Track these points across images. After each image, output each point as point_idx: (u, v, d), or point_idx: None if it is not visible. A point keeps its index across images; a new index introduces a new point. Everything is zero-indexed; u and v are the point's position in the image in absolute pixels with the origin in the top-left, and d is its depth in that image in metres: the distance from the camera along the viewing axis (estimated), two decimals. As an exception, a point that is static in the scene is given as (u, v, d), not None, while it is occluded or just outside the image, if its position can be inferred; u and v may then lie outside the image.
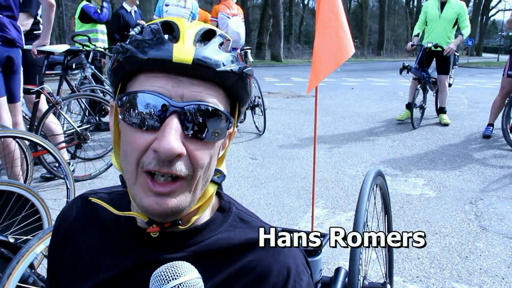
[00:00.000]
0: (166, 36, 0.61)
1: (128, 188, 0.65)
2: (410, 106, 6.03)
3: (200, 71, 0.59)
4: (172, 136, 0.57)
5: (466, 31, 5.91)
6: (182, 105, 0.59)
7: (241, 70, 0.63)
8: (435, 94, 6.48)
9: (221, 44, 0.63)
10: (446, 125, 6.01)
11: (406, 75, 5.87)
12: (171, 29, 0.62)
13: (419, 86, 5.92)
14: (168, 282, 0.55)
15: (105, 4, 5.66)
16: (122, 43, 0.63)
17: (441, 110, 6.24)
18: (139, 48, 0.60)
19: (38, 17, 3.65)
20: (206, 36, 0.63)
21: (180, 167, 0.59)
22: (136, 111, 0.60)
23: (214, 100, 0.61)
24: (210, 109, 0.60)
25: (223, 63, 0.60)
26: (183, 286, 0.55)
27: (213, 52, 0.60)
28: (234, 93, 0.65)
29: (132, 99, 0.60)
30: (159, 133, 0.59)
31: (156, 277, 0.57)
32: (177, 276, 0.56)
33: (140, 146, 0.60)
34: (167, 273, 0.56)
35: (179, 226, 0.66)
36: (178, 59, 0.58)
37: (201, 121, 0.60)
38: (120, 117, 0.63)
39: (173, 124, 0.58)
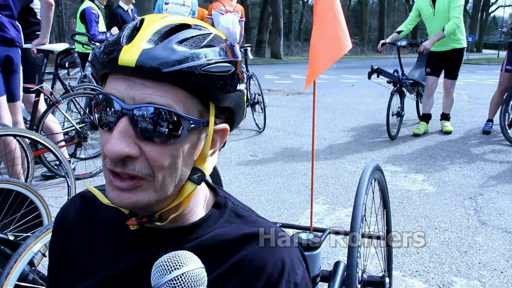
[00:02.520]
0: (128, 33, 0.61)
1: None
2: (427, 118, 5.32)
3: (144, 72, 0.58)
4: (117, 138, 0.58)
5: (450, 24, 4.78)
6: (132, 108, 0.58)
7: (202, 67, 0.59)
8: (415, 97, 5.84)
9: (184, 40, 0.60)
10: (448, 133, 5.28)
11: (377, 80, 5.07)
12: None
13: (394, 89, 5.07)
14: (170, 272, 0.54)
15: (108, 35, 5.46)
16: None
17: (444, 116, 5.48)
18: (104, 48, 0.61)
19: (38, 16, 3.66)
20: (175, 32, 0.61)
21: (134, 167, 0.60)
22: (99, 112, 0.62)
23: (168, 101, 0.59)
24: (161, 111, 0.58)
25: (176, 62, 0.57)
26: (186, 276, 0.54)
27: (164, 51, 0.58)
28: (201, 92, 0.62)
29: (97, 100, 0.62)
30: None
31: (157, 267, 0.56)
32: (179, 266, 0.55)
33: (103, 146, 0.62)
34: (169, 263, 0.55)
35: (156, 223, 0.66)
36: (122, 61, 0.58)
37: (152, 123, 0.59)
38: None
39: (120, 127, 0.58)
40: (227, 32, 5.30)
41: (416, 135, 5.23)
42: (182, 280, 0.54)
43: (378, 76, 5.06)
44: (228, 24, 5.33)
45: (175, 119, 0.59)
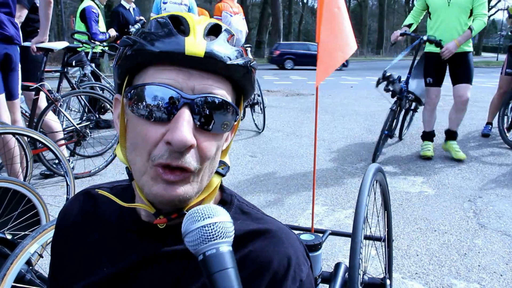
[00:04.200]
0: (172, 29, 0.62)
1: (136, 179, 0.65)
2: (431, 136, 4.33)
3: (211, 64, 0.61)
4: (185, 127, 0.58)
5: (478, 22, 4.07)
6: (194, 97, 0.60)
7: (247, 64, 0.65)
8: (411, 112, 5.00)
9: (227, 39, 0.64)
10: (459, 160, 4.26)
11: (383, 90, 4.31)
12: (179, 23, 0.63)
13: (394, 105, 4.19)
14: (203, 219, 0.56)
15: (107, 35, 5.36)
16: (129, 36, 0.64)
17: (450, 136, 4.36)
18: (148, 40, 0.61)
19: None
20: (213, 31, 0.64)
21: (190, 160, 0.61)
22: (148, 103, 0.60)
23: (223, 93, 0.63)
24: (220, 101, 0.62)
25: (230, 57, 0.62)
26: (217, 225, 0.56)
27: (222, 46, 0.62)
28: (240, 86, 0.67)
29: (143, 91, 0.61)
30: (171, 125, 0.59)
31: (190, 214, 0.57)
32: (212, 215, 0.56)
33: (152, 138, 0.60)
34: (203, 211, 0.57)
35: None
36: (190, 52, 0.59)
37: (211, 113, 0.61)
38: (129, 109, 0.63)
39: (186, 116, 0.59)
40: (240, 35, 5.47)
41: (427, 158, 4.33)
42: (213, 228, 0.55)
43: (387, 86, 4.26)
44: (240, 26, 5.45)
45: (230, 110, 0.64)
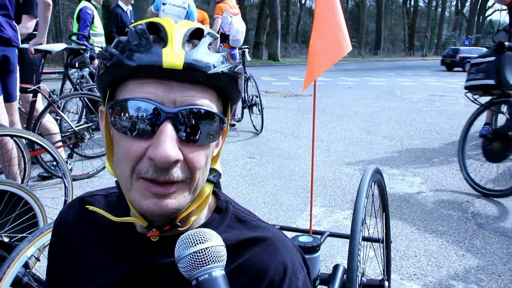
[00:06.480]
0: (152, 37, 0.60)
1: (125, 193, 0.64)
2: None
3: (192, 75, 0.58)
4: (168, 143, 0.56)
5: None
6: (175, 111, 0.58)
7: (232, 70, 0.62)
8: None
9: (210, 44, 0.62)
10: None
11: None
12: (157, 30, 0.61)
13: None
14: (195, 245, 0.56)
15: (96, 42, 5.36)
16: (107, 47, 0.62)
17: None
18: (126, 53, 0.58)
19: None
20: (195, 36, 0.62)
21: (177, 173, 0.59)
22: (129, 118, 0.58)
23: (207, 103, 0.61)
24: (204, 112, 0.60)
25: (213, 65, 0.59)
26: (209, 250, 0.56)
27: (203, 54, 0.59)
28: (226, 93, 0.65)
29: (123, 106, 0.59)
30: (153, 140, 0.58)
31: (182, 240, 0.57)
32: (204, 240, 0.56)
33: (134, 154, 0.59)
34: (195, 237, 0.57)
35: (179, 229, 0.65)
36: (168, 64, 0.57)
37: (195, 125, 0.59)
38: (111, 124, 0.62)
39: (168, 131, 0.57)
40: (241, 35, 5.51)
41: None
42: (204, 254, 0.56)
43: None
44: (240, 27, 5.51)
45: (215, 120, 0.62)
